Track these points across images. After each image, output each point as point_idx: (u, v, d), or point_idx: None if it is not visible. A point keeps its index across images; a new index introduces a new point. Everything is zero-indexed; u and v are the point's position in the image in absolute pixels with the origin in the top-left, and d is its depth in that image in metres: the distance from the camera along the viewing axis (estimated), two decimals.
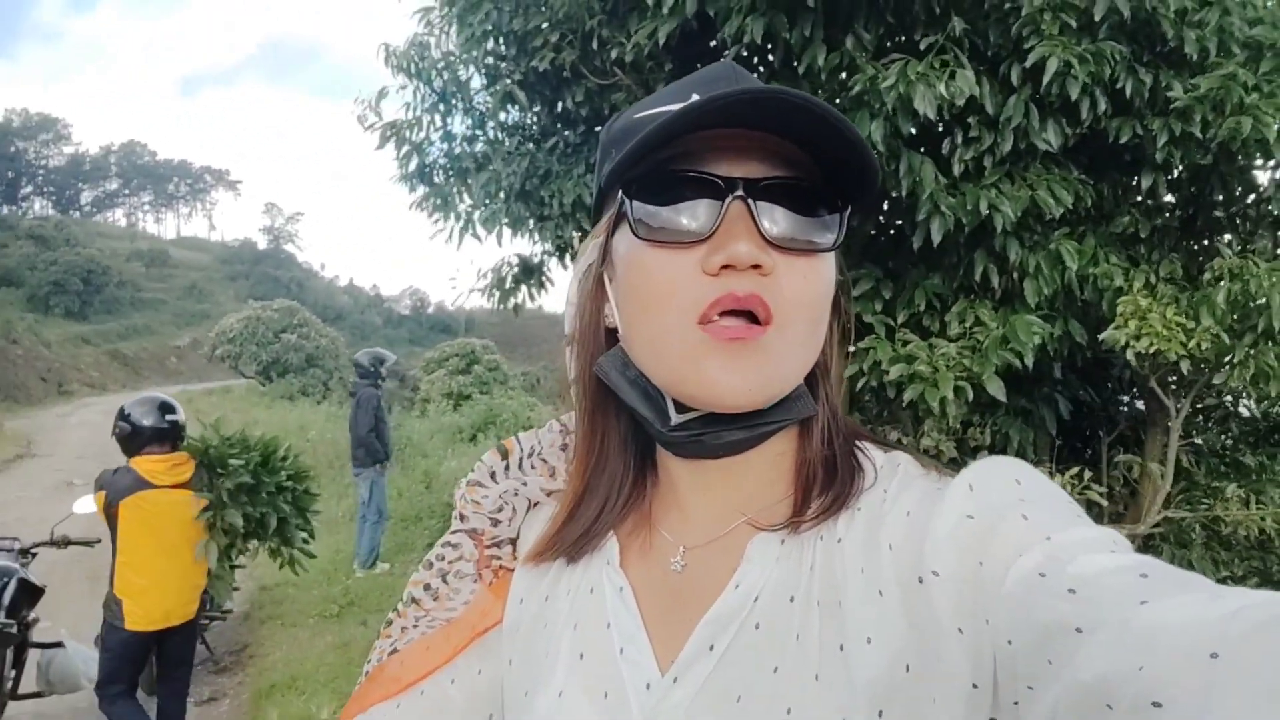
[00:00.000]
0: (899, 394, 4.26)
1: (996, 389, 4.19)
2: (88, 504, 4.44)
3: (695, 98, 0.70)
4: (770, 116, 0.65)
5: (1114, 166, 4.48)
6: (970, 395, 4.20)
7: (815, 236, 0.69)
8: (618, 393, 0.77)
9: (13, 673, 4.60)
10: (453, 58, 5.80)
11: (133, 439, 4.22)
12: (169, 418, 4.25)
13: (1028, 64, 3.81)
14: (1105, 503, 4.41)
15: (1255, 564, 5.21)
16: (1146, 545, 4.95)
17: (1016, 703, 0.57)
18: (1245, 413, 5.48)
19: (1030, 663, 0.54)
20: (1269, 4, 4.20)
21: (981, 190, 4.04)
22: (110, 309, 53.25)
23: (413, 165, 6.18)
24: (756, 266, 0.66)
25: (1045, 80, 3.73)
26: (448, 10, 5.62)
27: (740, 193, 0.67)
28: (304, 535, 4.73)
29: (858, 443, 0.78)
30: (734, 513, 0.77)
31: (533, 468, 0.89)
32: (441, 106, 6.06)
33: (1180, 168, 4.29)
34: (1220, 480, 4.92)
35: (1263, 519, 4.45)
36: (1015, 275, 4.39)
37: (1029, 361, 4.27)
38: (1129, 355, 4.11)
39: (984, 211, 3.99)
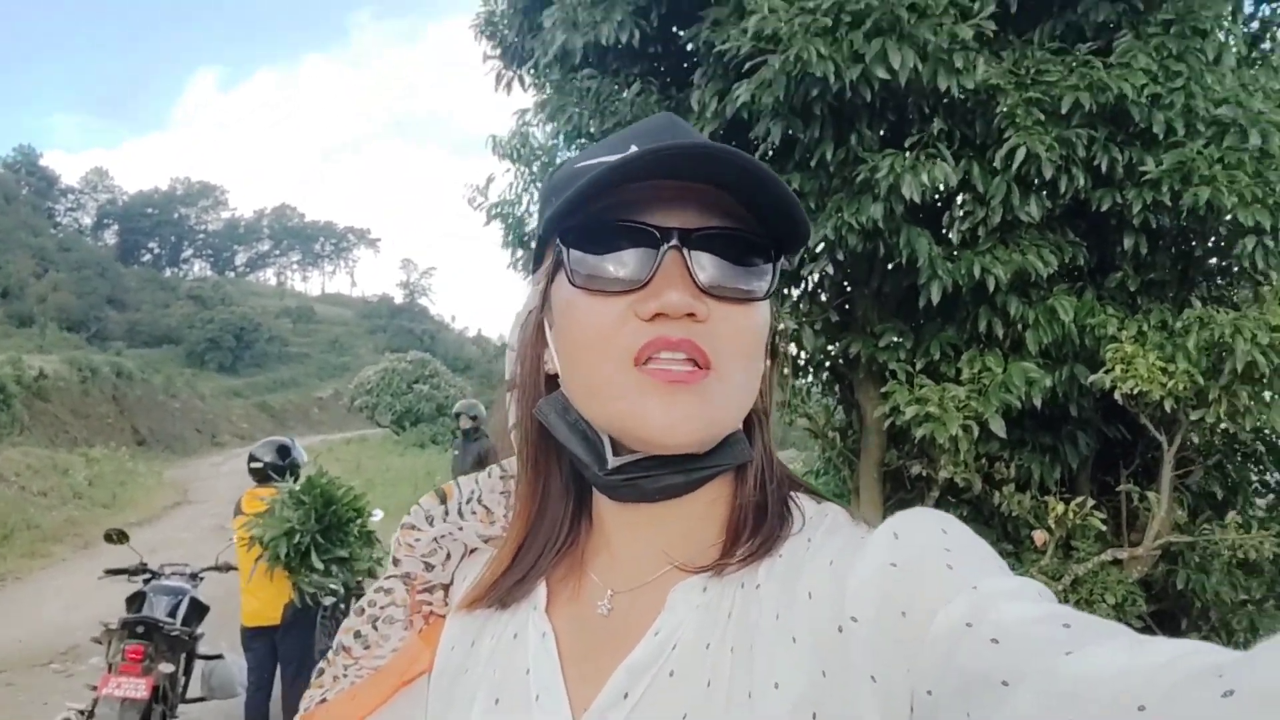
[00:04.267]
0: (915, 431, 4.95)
1: (998, 427, 4.84)
2: None
3: (634, 149, 0.70)
4: (702, 169, 0.66)
5: (1105, 230, 5.10)
6: (976, 433, 4.86)
7: (749, 284, 0.70)
8: (556, 436, 0.75)
9: (184, 678, 5.24)
10: (546, 147, 6.83)
11: (252, 475, 5.62)
12: (266, 460, 5.59)
13: (1003, 151, 4.53)
14: (1104, 528, 4.95)
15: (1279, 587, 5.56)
16: (1168, 574, 5.43)
17: None
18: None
19: (949, 713, 0.53)
20: (1232, 84, 4.76)
21: (976, 256, 4.74)
22: (260, 363, 57.09)
23: (513, 235, 7.19)
24: (691, 315, 0.66)
25: (1015, 165, 4.44)
26: (540, 113, 6.67)
27: (675, 242, 0.67)
28: (370, 563, 5.36)
29: (792, 493, 0.78)
30: (662, 558, 0.75)
31: (473, 513, 0.88)
32: (538, 185, 7.08)
33: (1158, 230, 4.88)
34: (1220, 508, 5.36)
35: (1261, 543, 4.88)
36: (1019, 327, 5.04)
37: (1037, 403, 4.90)
38: (1116, 396, 4.69)
39: (978, 275, 4.69)
